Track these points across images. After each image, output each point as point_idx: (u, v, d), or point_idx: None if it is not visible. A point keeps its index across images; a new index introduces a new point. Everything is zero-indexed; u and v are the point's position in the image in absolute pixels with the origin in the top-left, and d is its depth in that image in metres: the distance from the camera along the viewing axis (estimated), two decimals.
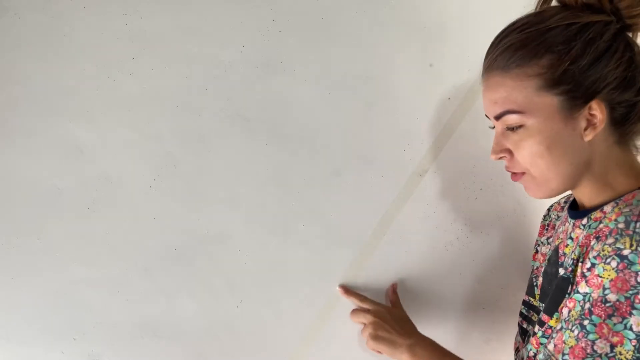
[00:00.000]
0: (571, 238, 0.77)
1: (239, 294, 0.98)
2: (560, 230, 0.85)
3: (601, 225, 0.69)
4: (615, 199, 0.72)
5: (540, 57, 0.68)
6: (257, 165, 0.96)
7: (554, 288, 0.75)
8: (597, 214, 0.72)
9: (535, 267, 0.90)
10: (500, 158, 0.76)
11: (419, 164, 1.02)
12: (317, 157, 0.98)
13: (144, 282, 0.94)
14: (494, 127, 0.78)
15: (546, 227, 0.94)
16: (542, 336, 0.74)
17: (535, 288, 0.87)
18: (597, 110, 0.68)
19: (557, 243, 0.83)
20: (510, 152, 0.74)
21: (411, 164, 1.02)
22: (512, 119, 0.71)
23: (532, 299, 0.87)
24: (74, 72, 0.87)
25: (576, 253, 0.72)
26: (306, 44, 0.95)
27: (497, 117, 0.73)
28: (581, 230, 0.75)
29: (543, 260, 0.87)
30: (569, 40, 0.67)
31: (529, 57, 0.68)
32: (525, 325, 0.86)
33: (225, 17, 0.91)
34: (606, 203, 0.72)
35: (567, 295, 0.71)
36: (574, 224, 0.78)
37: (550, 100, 0.68)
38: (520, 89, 0.69)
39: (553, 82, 0.68)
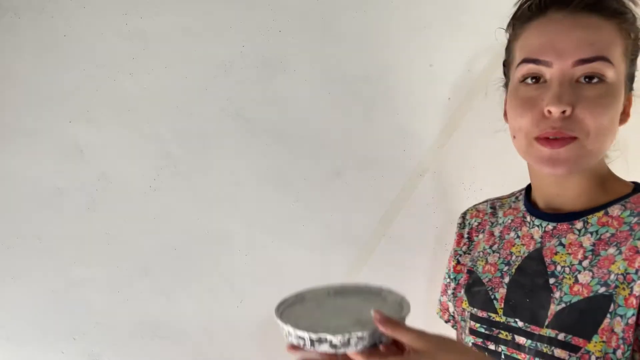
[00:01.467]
0: (562, 245, 0.70)
1: (239, 294, 0.98)
2: (512, 235, 0.78)
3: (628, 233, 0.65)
4: (612, 201, 0.69)
5: (632, 23, 0.66)
6: (257, 165, 0.96)
7: (580, 308, 0.66)
8: (601, 218, 0.68)
9: (486, 279, 0.78)
10: (562, 112, 0.63)
11: (419, 164, 1.02)
12: (317, 157, 0.98)
13: (144, 282, 0.94)
14: (525, 81, 0.67)
15: (467, 236, 0.86)
16: None
17: (495, 302, 0.75)
18: (630, 102, 0.69)
19: (516, 249, 0.76)
20: (572, 107, 0.63)
21: (411, 164, 1.02)
22: (603, 68, 0.62)
23: (492, 315, 0.75)
24: (74, 72, 0.87)
25: (615, 266, 0.65)
26: (306, 44, 0.95)
27: (586, 60, 0.62)
28: (575, 236, 0.70)
29: (495, 271, 0.78)
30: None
31: (630, 17, 0.65)
32: (492, 347, 0.74)
33: (225, 17, 0.91)
34: (602, 205, 0.69)
35: (609, 315, 0.63)
36: (554, 227, 0.72)
37: (624, 69, 0.65)
38: (617, 42, 0.64)
39: (631, 53, 0.66)
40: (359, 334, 0.61)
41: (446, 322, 0.91)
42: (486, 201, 0.87)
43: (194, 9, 0.90)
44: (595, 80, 0.63)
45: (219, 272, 0.97)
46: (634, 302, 0.62)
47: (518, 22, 0.70)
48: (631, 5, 0.66)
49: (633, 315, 0.61)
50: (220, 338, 0.99)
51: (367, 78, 0.97)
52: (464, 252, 0.86)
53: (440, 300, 0.92)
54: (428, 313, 0.97)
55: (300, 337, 0.64)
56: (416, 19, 0.98)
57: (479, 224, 0.86)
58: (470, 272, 0.83)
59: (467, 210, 0.88)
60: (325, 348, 0.62)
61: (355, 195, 1.00)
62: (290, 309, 0.74)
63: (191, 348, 0.98)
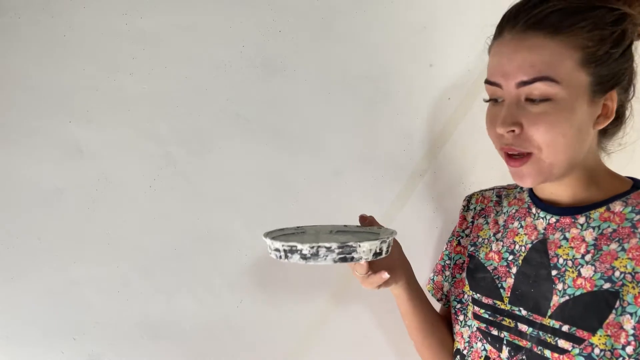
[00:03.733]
0: (565, 238, 0.73)
1: (239, 293, 0.98)
2: (516, 225, 0.80)
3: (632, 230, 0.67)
4: (613, 197, 0.71)
5: (588, 31, 0.65)
6: (257, 165, 0.96)
7: (584, 301, 0.69)
8: (603, 213, 0.70)
9: (491, 267, 0.82)
10: (511, 132, 0.67)
11: (419, 164, 1.02)
12: (317, 157, 0.98)
13: (144, 282, 0.94)
14: (490, 101, 0.72)
15: (470, 219, 0.89)
16: (580, 354, 0.68)
17: (502, 290, 0.79)
18: (613, 101, 0.68)
19: (520, 239, 0.78)
20: (521, 127, 0.66)
21: (411, 164, 1.02)
22: (544, 88, 0.64)
23: (497, 302, 0.79)
24: (74, 72, 0.87)
25: (619, 263, 0.67)
26: (306, 44, 0.95)
27: (526, 83, 0.65)
28: (578, 230, 0.72)
29: (499, 260, 0.81)
30: (613, 24, 0.65)
31: (579, 27, 0.64)
32: (495, 332, 0.79)
33: (225, 17, 0.91)
34: (603, 201, 0.71)
35: (614, 311, 0.66)
36: (558, 220, 0.74)
37: (584, 79, 0.65)
38: (564, 58, 0.64)
39: (594, 60, 0.65)
40: (327, 245, 0.66)
41: (438, 300, 0.94)
42: (493, 188, 0.90)
43: (194, 9, 0.90)
44: (540, 99, 0.65)
45: (219, 272, 0.97)
46: None
47: (492, 41, 0.73)
48: (589, 13, 0.65)
49: None
50: (220, 338, 0.99)
51: (367, 78, 0.97)
52: (466, 235, 0.90)
53: (433, 280, 0.95)
54: None
55: (276, 250, 0.70)
56: (416, 19, 0.98)
57: (482, 209, 0.88)
58: (471, 256, 0.87)
59: (473, 194, 0.91)
60: (296, 258, 0.68)
61: (355, 195, 1.00)
62: (287, 237, 0.79)
63: (191, 348, 0.98)
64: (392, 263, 0.81)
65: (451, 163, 1.03)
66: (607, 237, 0.69)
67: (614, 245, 0.68)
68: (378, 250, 0.70)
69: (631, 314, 0.65)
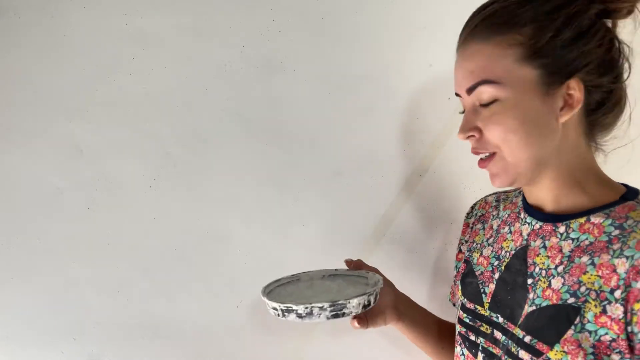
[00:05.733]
0: (544, 247, 0.70)
1: (239, 294, 0.98)
2: (506, 230, 0.79)
3: (606, 245, 0.63)
4: (596, 207, 0.67)
5: (522, 25, 0.65)
6: (257, 165, 0.96)
7: (547, 313, 0.67)
8: (584, 224, 0.67)
9: (479, 272, 0.81)
10: (469, 137, 0.70)
11: (419, 164, 1.02)
12: (317, 157, 0.98)
13: (144, 282, 0.94)
14: (463, 112, 0.73)
15: (471, 225, 0.89)
16: None
17: (484, 295, 0.78)
18: (576, 89, 0.65)
19: (507, 244, 0.77)
20: (479, 131, 0.69)
21: (411, 164, 1.02)
22: (488, 90, 0.66)
23: (479, 307, 0.78)
24: (74, 72, 0.87)
25: (587, 278, 0.64)
26: (306, 44, 0.95)
27: (471, 89, 0.68)
28: (557, 239, 0.69)
29: (487, 265, 0.80)
30: (552, 11, 0.64)
31: (511, 25, 0.65)
32: (472, 337, 0.78)
33: (225, 17, 0.91)
34: (587, 211, 0.68)
35: (573, 327, 0.63)
36: (541, 227, 0.72)
37: (529, 73, 0.65)
38: (500, 58, 0.66)
39: (534, 54, 0.64)
40: (319, 304, 0.71)
41: (454, 305, 0.95)
42: (495, 193, 0.89)
43: (194, 9, 0.90)
44: (488, 102, 0.67)
45: (219, 272, 0.97)
46: (608, 323, 0.61)
47: None
48: (519, 9, 0.65)
49: (606, 334, 0.60)
50: (220, 338, 0.99)
51: (367, 78, 0.97)
52: (466, 241, 0.89)
53: (452, 285, 0.95)
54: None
55: (273, 308, 0.75)
56: (416, 19, 0.98)
57: (482, 215, 0.88)
58: (467, 261, 0.86)
59: (478, 201, 0.91)
60: (293, 317, 0.73)
61: (355, 195, 1.00)
62: (284, 287, 0.85)
63: (191, 348, 0.98)
64: (378, 308, 0.85)
65: (451, 163, 1.03)
66: (582, 250, 0.66)
67: (585, 259, 0.65)
68: (366, 303, 0.75)
69: (590, 332, 0.62)
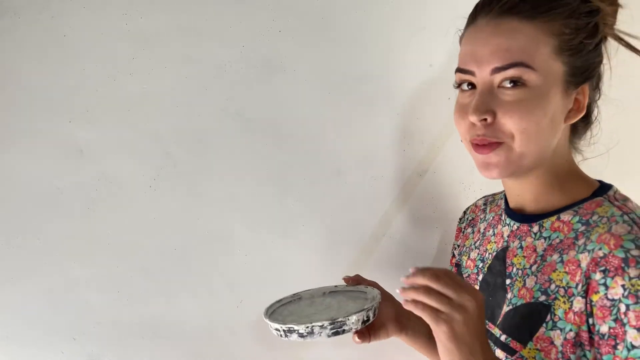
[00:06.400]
0: (521, 247, 0.71)
1: (239, 294, 0.98)
2: (491, 232, 0.79)
3: (574, 241, 0.63)
4: (569, 204, 0.67)
5: (566, 17, 0.63)
6: (257, 165, 0.96)
7: (521, 312, 0.67)
8: (554, 223, 0.67)
9: (466, 275, 0.81)
10: (483, 120, 0.64)
11: (419, 164, 1.02)
12: (317, 157, 0.98)
13: (144, 282, 0.94)
14: (461, 86, 0.68)
15: (462, 230, 0.89)
16: None
17: None
18: (584, 96, 0.66)
19: (490, 247, 0.77)
20: (494, 115, 0.64)
21: (411, 164, 1.02)
22: (519, 74, 0.62)
23: None
24: (74, 72, 0.87)
25: (556, 275, 0.64)
26: (306, 44, 0.95)
27: (501, 69, 0.62)
28: (532, 239, 0.69)
29: (473, 267, 0.80)
30: (588, 14, 0.64)
31: (558, 13, 0.63)
32: None
33: (225, 17, 0.91)
34: (557, 209, 0.68)
35: (545, 325, 0.64)
36: (518, 228, 0.72)
37: (559, 68, 0.63)
38: (540, 43, 0.62)
39: (568, 49, 0.63)
40: (320, 323, 0.71)
41: None
42: (484, 197, 0.90)
43: (194, 9, 0.90)
44: (515, 85, 0.63)
45: (219, 272, 0.97)
46: (573, 317, 0.61)
47: (463, 30, 0.71)
48: (564, 0, 0.63)
49: (571, 331, 0.61)
50: (220, 338, 0.99)
51: (367, 78, 0.97)
52: (458, 246, 0.89)
53: None
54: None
55: (276, 329, 0.75)
56: (416, 19, 0.98)
57: (472, 219, 0.88)
58: (457, 265, 0.87)
59: (470, 205, 0.92)
60: (295, 337, 0.73)
61: (355, 195, 1.00)
62: (285, 307, 0.84)
63: (191, 348, 0.98)
64: (379, 322, 0.83)
65: (451, 163, 1.03)
66: (553, 248, 0.66)
67: (555, 256, 0.65)
68: (365, 318, 0.74)
69: (561, 330, 0.62)
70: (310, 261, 1.00)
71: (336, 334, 0.72)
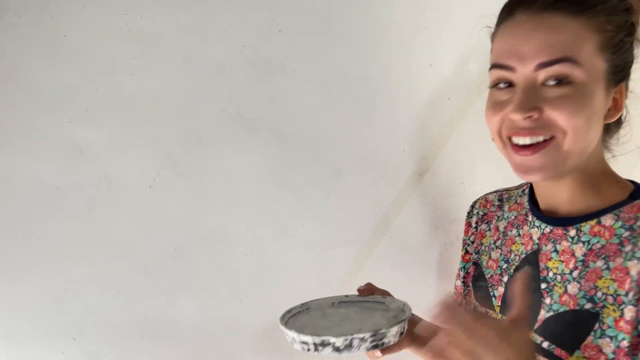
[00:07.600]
0: (556, 251, 0.69)
1: (239, 294, 0.98)
2: (514, 233, 0.77)
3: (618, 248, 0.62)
4: (607, 208, 0.66)
5: (609, 14, 0.62)
6: (257, 165, 0.96)
7: (565, 319, 0.65)
8: (594, 227, 0.66)
9: (489, 275, 0.80)
10: (529, 117, 0.61)
11: (419, 164, 1.02)
12: (317, 157, 0.98)
13: (144, 282, 0.94)
14: (497, 86, 0.66)
15: (474, 225, 0.87)
16: None
17: (494, 299, 0.76)
18: (622, 95, 0.65)
19: (516, 248, 0.75)
20: (540, 111, 0.61)
21: (411, 164, 1.02)
22: (566, 70, 0.60)
23: (490, 312, 0.76)
24: (74, 72, 0.87)
25: (602, 283, 0.62)
26: (306, 44, 0.95)
27: (547, 64, 0.60)
28: (569, 243, 0.68)
29: (496, 268, 0.78)
30: (626, 12, 0.63)
31: (601, 9, 0.61)
32: None
33: (225, 17, 0.91)
34: (597, 212, 0.66)
35: (593, 333, 0.62)
36: (551, 231, 0.70)
37: (601, 65, 0.62)
38: (585, 39, 0.61)
39: (611, 46, 0.62)
40: (361, 335, 0.64)
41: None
42: (496, 192, 0.87)
43: (194, 9, 0.90)
44: (560, 83, 0.61)
45: (219, 272, 0.97)
46: (624, 326, 0.60)
47: (496, 25, 0.69)
48: None
49: (624, 339, 0.60)
50: (220, 338, 0.99)
51: (367, 78, 0.97)
52: (471, 242, 0.87)
53: (455, 284, 0.92)
54: (430, 312, 0.97)
55: (304, 342, 0.67)
56: (416, 19, 0.98)
57: (485, 214, 0.86)
58: (476, 264, 0.85)
59: (477, 199, 0.89)
60: (328, 351, 0.65)
61: (355, 195, 1.00)
62: (295, 318, 0.77)
63: (191, 348, 0.98)
64: None
65: (451, 163, 1.03)
66: (595, 254, 0.65)
67: (599, 263, 0.64)
68: (402, 330, 0.70)
69: (611, 338, 0.61)
70: (310, 261, 1.00)
71: (375, 347, 0.67)
